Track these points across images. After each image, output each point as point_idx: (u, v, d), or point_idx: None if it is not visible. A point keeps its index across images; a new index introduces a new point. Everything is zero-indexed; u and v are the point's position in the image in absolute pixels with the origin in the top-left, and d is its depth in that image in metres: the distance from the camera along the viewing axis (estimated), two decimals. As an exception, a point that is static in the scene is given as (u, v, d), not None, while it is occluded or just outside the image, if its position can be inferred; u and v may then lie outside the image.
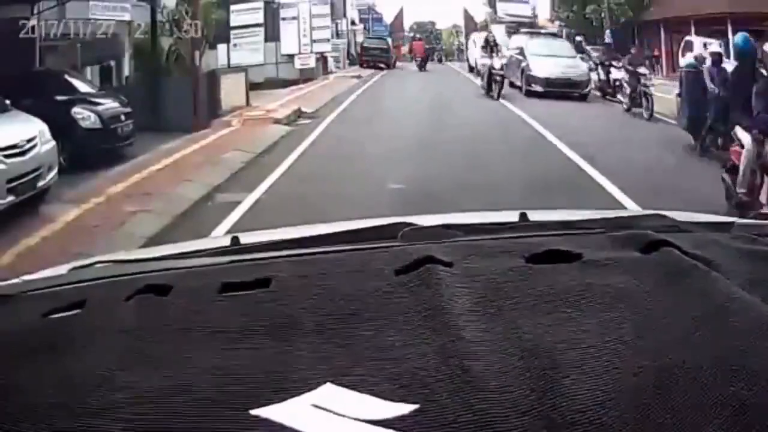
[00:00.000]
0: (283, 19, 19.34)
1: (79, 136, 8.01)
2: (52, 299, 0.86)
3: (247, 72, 13.41)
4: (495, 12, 41.04)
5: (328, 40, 19.99)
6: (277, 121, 11.31)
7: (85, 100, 8.57)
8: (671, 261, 0.79)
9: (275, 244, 1.11)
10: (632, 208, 5.69)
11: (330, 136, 10.33)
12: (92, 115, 8.30)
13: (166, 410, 0.57)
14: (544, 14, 34.70)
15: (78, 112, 8.18)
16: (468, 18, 48.38)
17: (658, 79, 13.78)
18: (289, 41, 19.23)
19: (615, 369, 0.60)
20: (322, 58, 20.18)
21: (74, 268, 1.11)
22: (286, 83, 18.30)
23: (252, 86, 18.37)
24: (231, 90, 12.30)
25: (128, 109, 8.90)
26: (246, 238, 1.19)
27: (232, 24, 15.79)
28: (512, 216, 1.18)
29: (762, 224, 1.17)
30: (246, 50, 15.59)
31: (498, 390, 0.57)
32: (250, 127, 10.53)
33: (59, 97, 8.25)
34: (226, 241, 1.17)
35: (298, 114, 12.33)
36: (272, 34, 19.34)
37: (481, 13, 46.40)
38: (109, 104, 8.78)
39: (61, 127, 7.09)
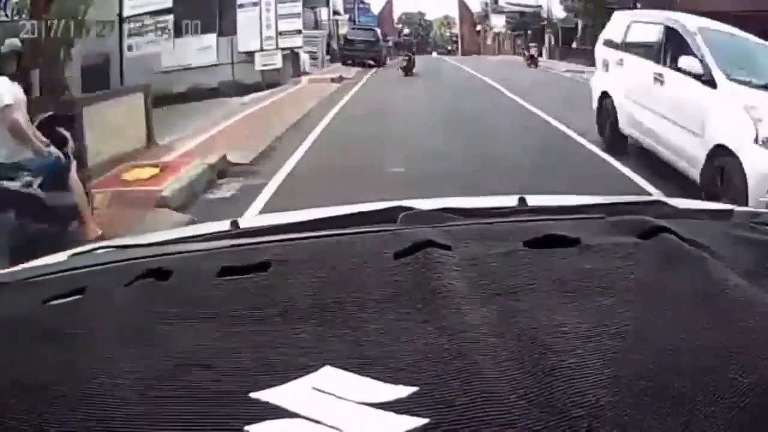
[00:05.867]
0: (240, 5, 14.95)
1: None
2: (52, 286, 0.85)
3: (149, 92, 8.62)
4: (496, 1, 38.38)
5: (299, 31, 15.54)
6: (165, 203, 5.41)
7: None
8: (669, 247, 0.80)
9: (274, 228, 1.09)
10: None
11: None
12: None
13: (166, 394, 0.57)
14: (546, 3, 32.45)
15: None
16: (463, 7, 45.27)
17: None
18: (247, 35, 14.88)
19: (613, 353, 0.60)
20: (291, 56, 15.75)
21: (73, 255, 1.10)
22: (245, 88, 14.17)
23: (202, 94, 14.03)
24: (118, 125, 7.07)
25: None
26: (245, 223, 1.19)
27: (126, 12, 11.21)
28: (511, 200, 1.17)
29: (761, 212, 1.12)
30: (150, 49, 11.15)
31: (497, 373, 0.57)
32: (117, 211, 5.21)
33: None
34: (226, 226, 1.16)
35: (224, 167, 6.54)
36: (227, 27, 15.08)
37: (476, 2, 43.28)
38: None
39: None
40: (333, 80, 15.62)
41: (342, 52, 22.27)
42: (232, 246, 0.92)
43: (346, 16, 27.75)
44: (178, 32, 14.56)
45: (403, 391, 0.55)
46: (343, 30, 24.59)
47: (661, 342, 0.61)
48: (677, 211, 1.04)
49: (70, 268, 0.94)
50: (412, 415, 0.53)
